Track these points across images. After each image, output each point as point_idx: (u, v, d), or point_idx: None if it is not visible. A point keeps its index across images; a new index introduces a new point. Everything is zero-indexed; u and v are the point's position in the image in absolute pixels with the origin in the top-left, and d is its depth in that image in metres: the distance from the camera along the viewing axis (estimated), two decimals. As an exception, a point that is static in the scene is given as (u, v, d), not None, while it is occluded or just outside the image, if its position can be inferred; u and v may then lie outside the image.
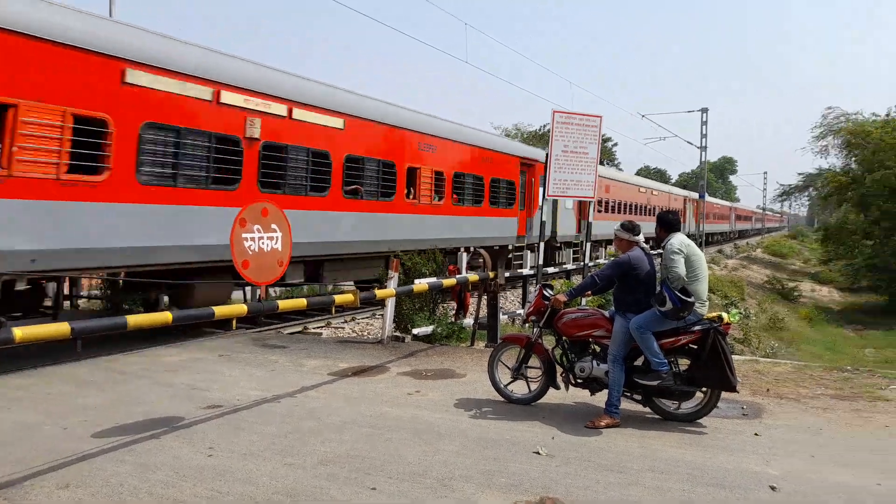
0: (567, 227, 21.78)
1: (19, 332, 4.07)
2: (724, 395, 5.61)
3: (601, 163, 24.63)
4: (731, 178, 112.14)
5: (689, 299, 5.33)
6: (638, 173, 73.50)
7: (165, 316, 5.17)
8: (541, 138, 44.63)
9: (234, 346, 8.75)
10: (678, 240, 5.64)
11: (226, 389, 6.42)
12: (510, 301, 16.42)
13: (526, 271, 14.95)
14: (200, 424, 5.29)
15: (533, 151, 19.79)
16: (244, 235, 5.68)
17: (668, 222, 5.85)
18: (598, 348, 5.81)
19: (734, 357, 6.15)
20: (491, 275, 9.30)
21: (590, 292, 6.59)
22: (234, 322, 10.18)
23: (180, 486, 4.06)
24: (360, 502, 3.90)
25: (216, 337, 9.41)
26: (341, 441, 4.94)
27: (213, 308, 5.55)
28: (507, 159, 17.70)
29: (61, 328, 4.34)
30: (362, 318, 12.82)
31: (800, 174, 42.18)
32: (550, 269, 17.23)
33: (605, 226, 23.52)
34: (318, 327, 11.62)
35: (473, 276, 9.53)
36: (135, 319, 4.82)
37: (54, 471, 4.24)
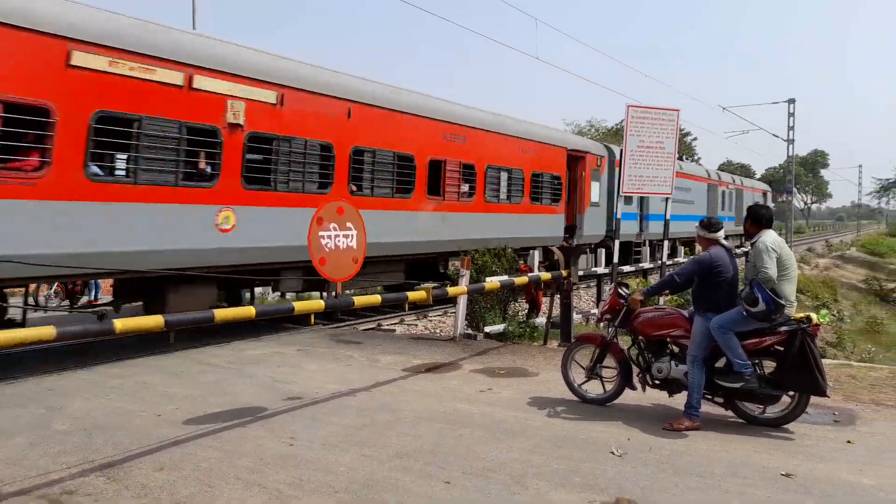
0: None
1: (119, 324, 4.40)
2: (813, 400, 5.32)
3: (680, 157, 23.08)
4: (823, 172, 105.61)
5: (781, 301, 5.08)
6: (720, 168, 68.52)
7: (249, 311, 5.44)
8: (615, 134, 43.29)
9: (311, 341, 9.05)
10: (771, 238, 5.33)
11: (305, 382, 6.66)
12: (584, 300, 16.17)
13: (600, 270, 14.66)
14: (282, 415, 5.51)
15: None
16: (321, 233, 5.88)
17: (760, 217, 5.47)
18: (676, 348, 5.64)
19: (825, 360, 5.81)
20: (564, 273, 9.19)
21: (668, 291, 6.42)
22: (312, 318, 10.49)
23: (264, 472, 4.26)
24: (435, 495, 3.95)
25: (294, 332, 9.76)
26: (415, 435, 5.03)
27: (294, 303, 5.77)
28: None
29: (157, 320, 4.64)
30: (434, 316, 12.95)
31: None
32: (626, 268, 16.84)
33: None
34: (391, 324, 11.83)
35: (546, 275, 9.45)
36: (221, 313, 5.09)
37: (150, 454, 4.54)
